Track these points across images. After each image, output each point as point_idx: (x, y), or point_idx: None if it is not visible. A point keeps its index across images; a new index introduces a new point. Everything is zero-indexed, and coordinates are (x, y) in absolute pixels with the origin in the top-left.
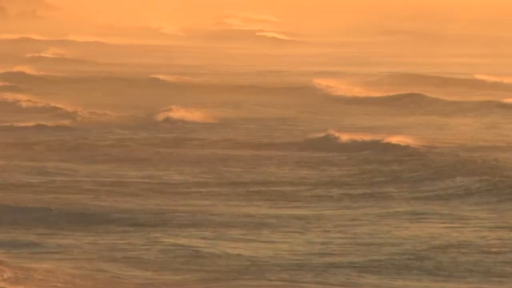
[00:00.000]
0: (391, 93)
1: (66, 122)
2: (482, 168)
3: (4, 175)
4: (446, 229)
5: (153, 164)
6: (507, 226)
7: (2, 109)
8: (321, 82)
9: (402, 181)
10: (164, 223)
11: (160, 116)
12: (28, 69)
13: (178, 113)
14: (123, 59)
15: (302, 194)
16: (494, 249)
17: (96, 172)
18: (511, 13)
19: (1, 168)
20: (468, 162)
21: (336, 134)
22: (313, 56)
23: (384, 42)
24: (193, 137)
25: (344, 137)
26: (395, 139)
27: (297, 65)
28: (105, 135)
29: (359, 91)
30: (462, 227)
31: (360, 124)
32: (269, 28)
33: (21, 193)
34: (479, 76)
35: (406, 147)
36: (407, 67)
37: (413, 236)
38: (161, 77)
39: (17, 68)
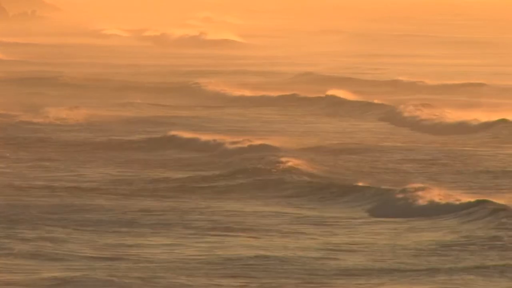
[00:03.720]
0: (272, 94)
1: None
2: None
3: None
4: None
5: None
6: None
7: None
8: (209, 82)
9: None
10: None
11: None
12: None
13: (41, 115)
14: (51, 59)
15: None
16: None
17: None
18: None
19: None
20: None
21: (181, 135)
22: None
23: (325, 40)
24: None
25: (186, 136)
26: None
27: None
28: None
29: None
30: None
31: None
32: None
33: None
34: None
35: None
36: (319, 67)
37: None
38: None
39: None
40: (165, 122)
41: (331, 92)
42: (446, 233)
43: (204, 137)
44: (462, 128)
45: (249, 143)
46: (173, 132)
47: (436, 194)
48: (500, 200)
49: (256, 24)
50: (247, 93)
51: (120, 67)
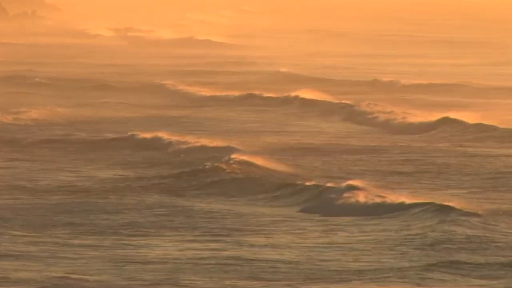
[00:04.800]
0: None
1: None
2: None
3: None
4: None
5: None
6: None
7: None
8: (182, 82)
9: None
10: None
11: None
12: None
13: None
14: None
15: None
16: None
17: None
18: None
19: None
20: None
21: (140, 134)
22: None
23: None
24: None
25: (144, 136)
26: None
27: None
28: None
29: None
30: None
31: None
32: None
33: None
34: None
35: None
36: (295, 67)
37: None
38: (45, 78)
39: None
40: (130, 122)
41: (299, 92)
42: (382, 232)
43: (161, 136)
44: (413, 128)
45: (201, 143)
46: (132, 132)
47: (374, 194)
48: (437, 200)
49: (244, 24)
50: (217, 93)
51: (100, 67)
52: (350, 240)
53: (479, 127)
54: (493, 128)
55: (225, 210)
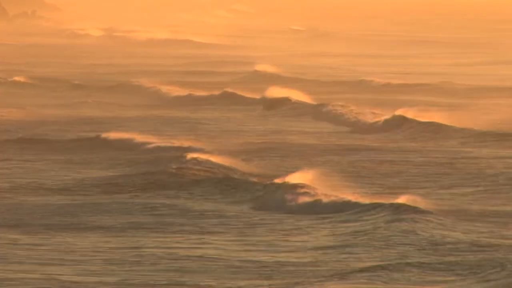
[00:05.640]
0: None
1: None
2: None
3: None
4: None
5: None
6: None
7: None
8: (161, 82)
9: None
10: None
11: None
12: None
13: None
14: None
15: None
16: None
17: None
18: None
19: None
20: None
21: (108, 135)
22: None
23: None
24: None
25: (114, 137)
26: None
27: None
28: None
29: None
30: None
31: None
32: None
33: None
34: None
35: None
36: (272, 67)
37: None
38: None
39: None
40: (101, 122)
41: (273, 92)
42: (334, 231)
43: (127, 136)
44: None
45: (165, 143)
46: (100, 133)
47: (327, 193)
48: (391, 199)
49: (234, 24)
50: (192, 92)
51: (83, 66)
52: (303, 239)
53: (433, 126)
54: (446, 128)
55: (169, 206)
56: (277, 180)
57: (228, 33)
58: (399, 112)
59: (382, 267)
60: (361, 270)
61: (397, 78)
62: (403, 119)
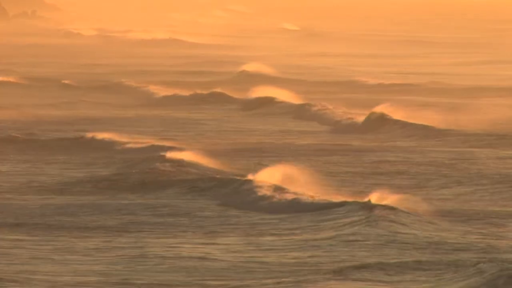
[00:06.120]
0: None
1: None
2: None
3: None
4: None
5: None
6: None
7: None
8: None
9: None
10: None
11: None
12: None
13: None
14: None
15: None
16: None
17: None
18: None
19: None
20: None
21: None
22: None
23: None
24: None
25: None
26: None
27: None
28: None
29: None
30: None
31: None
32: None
33: None
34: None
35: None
36: (262, 67)
37: None
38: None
39: None
40: (83, 121)
41: (257, 92)
42: (305, 230)
43: (106, 137)
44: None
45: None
46: (82, 133)
47: (300, 192)
48: (366, 198)
49: (227, 24)
50: (177, 92)
51: (73, 66)
52: (274, 238)
53: (413, 126)
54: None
55: (136, 204)
56: (245, 179)
57: (224, 33)
58: (378, 110)
59: (357, 266)
60: (336, 269)
61: (394, 79)
62: (382, 119)
